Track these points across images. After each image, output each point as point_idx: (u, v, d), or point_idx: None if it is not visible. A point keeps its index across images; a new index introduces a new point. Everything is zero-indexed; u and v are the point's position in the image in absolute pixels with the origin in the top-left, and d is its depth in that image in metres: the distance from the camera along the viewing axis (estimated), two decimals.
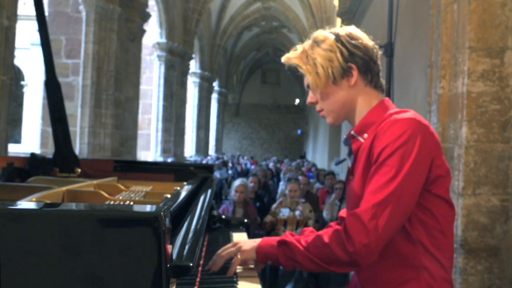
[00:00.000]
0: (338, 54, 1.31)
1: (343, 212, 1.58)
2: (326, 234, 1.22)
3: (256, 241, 1.33)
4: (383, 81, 1.39)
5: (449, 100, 2.81)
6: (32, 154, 2.20)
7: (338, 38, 1.33)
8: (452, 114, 2.78)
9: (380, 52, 1.39)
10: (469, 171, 2.62)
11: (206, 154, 17.69)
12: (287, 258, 1.26)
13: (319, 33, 1.36)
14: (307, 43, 1.37)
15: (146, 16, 8.63)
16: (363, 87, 1.35)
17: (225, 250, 1.33)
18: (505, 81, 2.63)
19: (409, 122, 1.21)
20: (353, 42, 1.32)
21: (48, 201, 1.34)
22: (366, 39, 1.36)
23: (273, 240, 1.31)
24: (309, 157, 21.59)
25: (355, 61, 1.32)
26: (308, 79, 1.35)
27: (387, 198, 1.16)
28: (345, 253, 1.15)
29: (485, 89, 2.63)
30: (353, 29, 1.37)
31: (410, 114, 1.25)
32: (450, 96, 2.81)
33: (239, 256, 1.30)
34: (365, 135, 1.32)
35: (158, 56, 11.92)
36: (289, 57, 1.38)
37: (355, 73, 1.32)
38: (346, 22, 8.89)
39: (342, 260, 1.17)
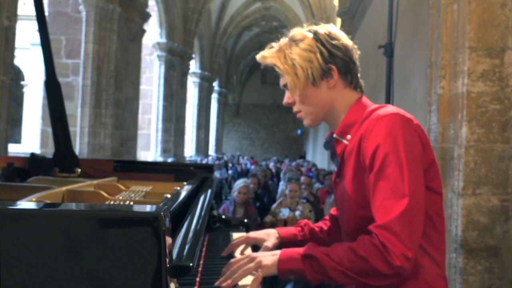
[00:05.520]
0: (318, 55, 1.27)
1: (333, 210, 1.56)
2: (358, 246, 1.15)
3: (276, 254, 1.23)
4: (362, 82, 1.36)
5: (449, 100, 2.81)
6: (32, 154, 2.20)
7: (317, 37, 1.28)
8: (452, 114, 2.78)
9: (359, 52, 1.34)
10: (469, 171, 2.62)
11: (206, 154, 17.70)
12: (316, 273, 1.17)
13: (297, 32, 1.31)
14: (284, 41, 1.32)
15: (146, 16, 8.63)
16: (343, 88, 1.31)
17: (242, 267, 1.22)
18: (505, 81, 2.63)
19: (393, 118, 1.18)
20: (333, 42, 1.28)
21: (48, 201, 1.33)
22: (345, 39, 1.31)
23: (295, 253, 1.21)
24: (309, 157, 21.59)
25: (335, 62, 1.27)
26: (285, 80, 1.30)
27: (410, 202, 1.12)
28: (389, 267, 1.10)
29: (485, 89, 2.63)
30: (332, 28, 1.32)
31: (392, 109, 1.22)
32: (450, 96, 2.81)
33: (260, 273, 1.21)
34: (348, 137, 1.28)
35: (158, 56, 11.92)
36: (265, 56, 1.32)
37: (334, 74, 1.28)
38: (346, 22, 8.89)
39: (384, 274, 1.11)
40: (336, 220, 1.55)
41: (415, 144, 1.18)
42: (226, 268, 1.24)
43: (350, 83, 1.32)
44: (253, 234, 1.49)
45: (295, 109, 1.35)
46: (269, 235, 1.46)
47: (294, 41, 1.30)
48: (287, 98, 1.36)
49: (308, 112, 1.33)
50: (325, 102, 1.31)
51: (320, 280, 1.19)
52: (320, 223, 1.56)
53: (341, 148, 1.31)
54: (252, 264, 1.21)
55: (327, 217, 1.59)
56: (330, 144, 1.36)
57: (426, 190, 1.21)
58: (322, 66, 1.27)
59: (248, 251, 1.52)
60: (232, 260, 1.25)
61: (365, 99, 1.34)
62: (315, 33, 1.29)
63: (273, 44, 1.34)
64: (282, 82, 1.34)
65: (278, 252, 1.24)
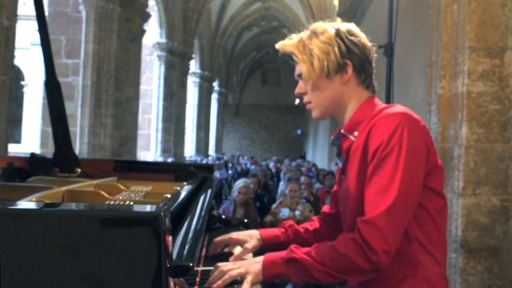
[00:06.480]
0: (336, 49, 1.30)
1: (326, 208, 1.57)
2: (339, 244, 1.17)
3: (260, 261, 1.24)
4: (375, 83, 1.38)
5: (449, 100, 2.81)
6: (32, 154, 2.20)
7: (338, 32, 1.31)
8: (452, 114, 2.78)
9: (375, 55, 1.38)
10: (469, 171, 2.61)
11: (206, 154, 17.69)
12: (300, 275, 1.19)
13: (319, 25, 1.35)
14: (305, 33, 1.35)
15: (146, 16, 8.63)
16: (355, 86, 1.34)
17: (232, 270, 1.22)
18: (505, 81, 2.63)
19: (400, 117, 1.20)
20: (352, 38, 1.31)
21: (48, 201, 1.33)
22: (365, 39, 1.35)
23: (277, 257, 1.23)
24: (309, 157, 21.58)
25: (351, 58, 1.30)
26: (301, 69, 1.33)
27: (397, 199, 1.14)
28: (368, 262, 1.13)
29: (485, 89, 2.63)
30: (353, 27, 1.36)
31: (401, 108, 1.24)
32: (450, 96, 2.81)
33: (249, 278, 1.21)
34: (356, 133, 1.30)
35: (158, 56, 11.91)
36: (285, 44, 1.36)
37: (349, 70, 1.31)
38: (346, 22, 8.89)
39: (364, 269, 1.13)
40: (325, 220, 1.56)
41: (419, 144, 1.20)
42: (214, 270, 1.23)
43: (363, 81, 1.34)
44: (236, 235, 1.49)
45: (305, 99, 1.38)
46: (252, 237, 1.47)
47: (314, 33, 1.33)
48: (299, 88, 1.39)
49: (317, 104, 1.35)
50: (336, 96, 1.34)
51: (305, 281, 1.21)
52: (306, 224, 1.57)
53: (347, 144, 1.33)
54: (242, 270, 1.22)
55: (314, 217, 1.60)
56: (338, 141, 1.38)
57: (426, 189, 1.23)
58: (338, 60, 1.30)
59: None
60: (220, 264, 1.24)
61: (376, 99, 1.36)
62: (337, 29, 1.33)
63: (293, 35, 1.38)
64: (297, 71, 1.37)
65: (261, 258, 1.25)
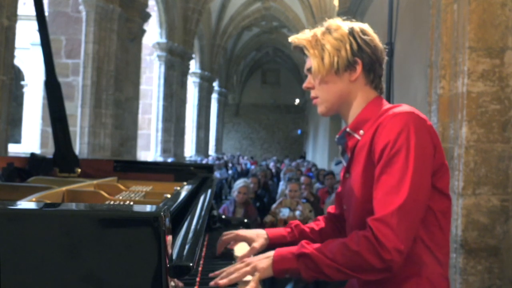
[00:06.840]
0: (348, 46, 1.31)
1: (331, 208, 1.58)
2: (351, 241, 1.17)
3: (269, 256, 1.24)
4: (383, 85, 1.39)
5: (449, 100, 2.81)
6: (32, 154, 2.20)
7: (351, 31, 1.33)
8: (452, 114, 2.78)
9: (386, 58, 1.39)
10: (469, 171, 2.61)
11: (206, 154, 17.69)
12: (310, 271, 1.19)
13: (333, 22, 1.36)
14: (319, 29, 1.37)
15: (146, 16, 8.63)
16: (363, 85, 1.34)
17: (238, 270, 1.22)
18: (505, 81, 2.63)
19: (407, 116, 1.21)
20: (364, 37, 1.32)
21: (48, 201, 1.33)
22: (377, 40, 1.36)
23: (288, 252, 1.23)
24: (309, 157, 21.58)
25: (362, 57, 1.31)
26: (311, 63, 1.34)
27: (408, 198, 1.14)
28: (380, 261, 1.12)
29: (485, 89, 2.63)
30: (367, 27, 1.37)
31: (408, 108, 1.25)
32: (450, 96, 2.81)
33: (257, 275, 1.21)
34: (361, 132, 1.31)
35: (158, 56, 11.91)
36: (298, 38, 1.37)
37: (359, 68, 1.32)
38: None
39: (376, 268, 1.13)
40: (330, 220, 1.56)
41: (426, 144, 1.20)
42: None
43: (371, 81, 1.35)
44: (243, 232, 1.49)
45: (312, 94, 1.39)
46: (258, 236, 1.47)
47: (328, 30, 1.35)
48: (307, 83, 1.39)
49: (324, 99, 1.36)
50: (343, 93, 1.34)
51: (315, 277, 1.20)
52: (312, 224, 1.57)
53: (352, 143, 1.34)
54: (248, 269, 1.22)
55: (320, 217, 1.60)
56: (343, 140, 1.38)
57: (433, 189, 1.23)
58: (349, 58, 1.31)
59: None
60: (229, 267, 1.25)
61: (383, 100, 1.37)
62: (351, 27, 1.34)
63: (306, 30, 1.39)
64: (307, 65, 1.38)
65: (271, 253, 1.25)
